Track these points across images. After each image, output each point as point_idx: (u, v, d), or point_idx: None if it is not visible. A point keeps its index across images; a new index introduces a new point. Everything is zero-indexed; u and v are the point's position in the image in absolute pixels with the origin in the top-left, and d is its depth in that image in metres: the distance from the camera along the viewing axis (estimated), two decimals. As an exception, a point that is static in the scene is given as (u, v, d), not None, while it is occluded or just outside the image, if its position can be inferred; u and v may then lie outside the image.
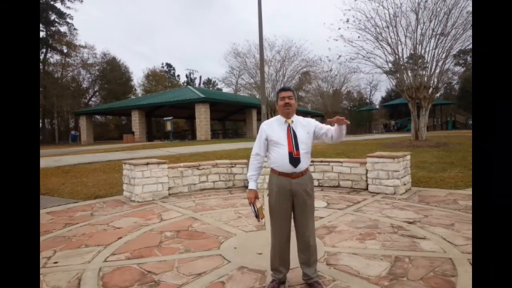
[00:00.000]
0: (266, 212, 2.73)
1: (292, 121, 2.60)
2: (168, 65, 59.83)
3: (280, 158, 2.54)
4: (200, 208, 5.37)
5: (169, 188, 6.52)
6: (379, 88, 57.36)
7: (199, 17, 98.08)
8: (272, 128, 2.62)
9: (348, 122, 2.47)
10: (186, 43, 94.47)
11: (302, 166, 2.53)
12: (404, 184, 6.18)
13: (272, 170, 2.62)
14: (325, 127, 2.65)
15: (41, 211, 5.31)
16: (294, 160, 2.51)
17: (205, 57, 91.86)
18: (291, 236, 2.65)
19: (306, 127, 2.61)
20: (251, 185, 2.64)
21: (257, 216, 2.64)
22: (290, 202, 2.56)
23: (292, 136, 2.54)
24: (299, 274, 2.69)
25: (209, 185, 7.05)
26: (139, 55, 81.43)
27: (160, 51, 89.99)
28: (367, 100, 49.78)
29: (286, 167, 2.52)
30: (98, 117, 41.57)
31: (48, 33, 38.84)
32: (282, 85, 25.90)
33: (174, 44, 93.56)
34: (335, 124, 2.53)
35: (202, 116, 25.32)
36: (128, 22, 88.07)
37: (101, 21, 78.48)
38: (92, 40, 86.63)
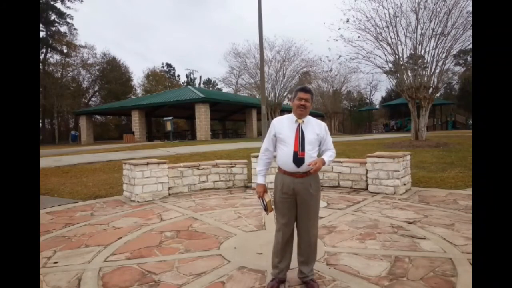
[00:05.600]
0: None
1: (303, 121, 2.60)
2: (168, 65, 59.91)
3: (284, 157, 2.56)
4: (200, 208, 5.37)
5: (169, 188, 6.52)
6: (379, 88, 57.53)
7: (195, 15, 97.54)
8: (282, 126, 2.63)
9: (312, 168, 2.50)
10: (183, 41, 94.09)
11: (306, 166, 2.53)
12: (404, 184, 6.18)
13: (279, 168, 2.65)
14: (325, 146, 2.69)
15: (41, 211, 5.31)
16: (298, 160, 2.52)
17: (204, 56, 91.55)
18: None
19: (316, 130, 2.62)
20: (260, 180, 2.69)
21: (265, 210, 2.68)
22: (293, 201, 2.58)
23: (300, 136, 2.55)
24: (299, 274, 2.69)
25: (209, 185, 7.05)
26: (135, 54, 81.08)
27: (157, 49, 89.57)
28: (367, 100, 49.77)
29: (290, 166, 2.54)
30: (98, 117, 41.56)
31: (48, 33, 38.86)
32: (282, 84, 25.99)
33: (171, 42, 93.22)
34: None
35: (202, 116, 25.32)
36: (122, 20, 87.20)
37: (94, 19, 78.05)
38: (85, 38, 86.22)
